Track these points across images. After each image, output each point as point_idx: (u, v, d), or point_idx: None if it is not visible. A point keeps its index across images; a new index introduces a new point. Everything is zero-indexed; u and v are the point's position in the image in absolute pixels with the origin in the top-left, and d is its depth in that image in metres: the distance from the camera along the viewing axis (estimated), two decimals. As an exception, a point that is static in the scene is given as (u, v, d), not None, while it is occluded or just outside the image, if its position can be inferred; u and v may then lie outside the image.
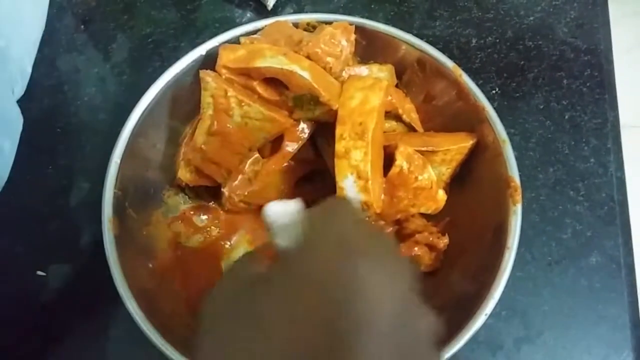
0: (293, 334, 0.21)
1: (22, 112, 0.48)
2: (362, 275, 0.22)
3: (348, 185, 0.36)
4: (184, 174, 0.41)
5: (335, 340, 0.21)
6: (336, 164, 0.37)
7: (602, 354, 0.41)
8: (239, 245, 0.44)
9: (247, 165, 0.41)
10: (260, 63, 0.37)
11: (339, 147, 0.36)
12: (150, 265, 0.40)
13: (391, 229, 0.42)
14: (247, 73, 0.38)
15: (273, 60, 0.37)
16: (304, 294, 0.22)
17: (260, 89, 0.38)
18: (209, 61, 0.42)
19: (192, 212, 0.43)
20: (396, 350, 0.21)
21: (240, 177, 0.41)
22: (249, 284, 0.24)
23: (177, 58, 0.41)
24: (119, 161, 0.38)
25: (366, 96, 0.37)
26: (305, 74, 0.37)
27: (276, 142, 0.41)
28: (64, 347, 0.42)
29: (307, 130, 0.40)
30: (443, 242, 0.40)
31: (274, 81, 0.38)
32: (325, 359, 0.20)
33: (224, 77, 0.38)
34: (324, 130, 0.40)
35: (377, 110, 0.37)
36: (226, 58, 0.38)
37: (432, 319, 0.24)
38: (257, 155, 0.41)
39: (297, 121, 0.40)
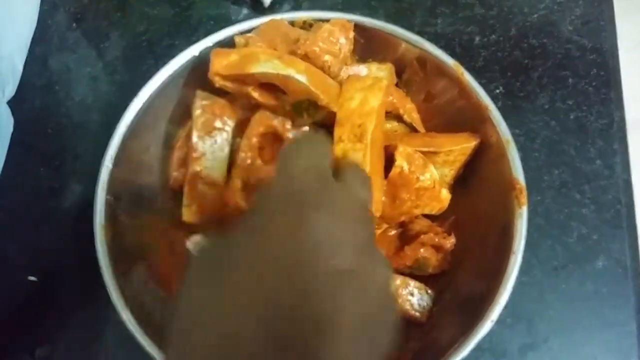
0: (257, 292, 0.22)
1: (13, 113, 0.47)
2: (316, 228, 0.23)
3: None
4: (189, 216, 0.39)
5: (297, 295, 0.22)
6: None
7: (608, 361, 0.40)
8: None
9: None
10: (254, 69, 0.36)
11: (337, 149, 0.36)
12: (145, 271, 0.39)
13: (395, 231, 0.41)
14: (241, 79, 0.37)
15: (268, 65, 0.36)
16: (263, 253, 0.23)
17: (255, 94, 0.37)
18: (202, 61, 0.41)
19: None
20: (358, 299, 0.23)
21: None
22: (220, 249, 0.25)
23: (171, 56, 0.40)
24: (110, 166, 0.37)
25: (365, 97, 0.36)
26: (302, 78, 0.36)
27: (276, 146, 0.40)
28: (56, 353, 0.41)
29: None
30: (450, 242, 0.39)
31: (270, 85, 0.37)
32: (289, 314, 0.21)
33: (217, 84, 0.37)
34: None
35: (377, 111, 0.36)
36: (218, 64, 0.37)
37: (388, 268, 0.26)
38: (258, 161, 0.40)
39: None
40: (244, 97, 0.38)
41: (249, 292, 0.22)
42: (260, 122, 0.38)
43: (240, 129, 0.39)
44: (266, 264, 0.23)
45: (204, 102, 0.38)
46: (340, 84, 0.38)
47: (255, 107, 0.39)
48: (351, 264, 0.23)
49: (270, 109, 0.38)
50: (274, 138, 0.39)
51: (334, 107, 0.36)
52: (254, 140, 0.38)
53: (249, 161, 0.37)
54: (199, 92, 0.39)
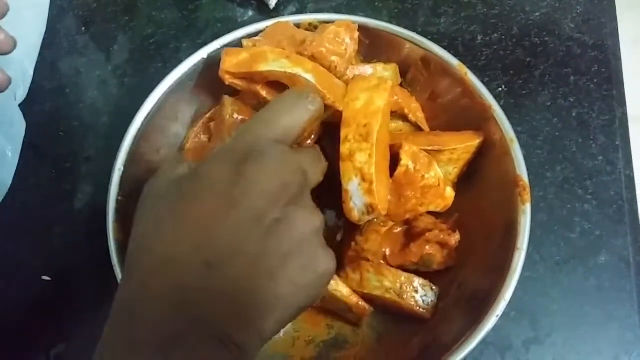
0: (194, 227, 0.26)
1: (24, 116, 0.48)
2: (249, 182, 0.27)
3: (353, 188, 0.36)
4: None
5: (219, 242, 0.26)
6: (341, 166, 0.36)
7: (612, 354, 0.41)
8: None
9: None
10: (263, 67, 0.37)
11: (344, 149, 0.36)
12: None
13: (400, 229, 0.41)
14: (250, 77, 0.38)
15: (276, 64, 0.37)
16: (203, 196, 0.27)
17: (264, 92, 0.38)
18: (211, 64, 0.41)
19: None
20: (280, 243, 0.27)
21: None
22: (172, 180, 0.29)
23: (178, 59, 0.41)
24: (122, 168, 0.38)
25: (371, 97, 0.36)
26: (309, 77, 0.36)
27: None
28: (70, 351, 0.42)
29: (313, 135, 0.40)
30: (454, 238, 0.39)
31: (277, 83, 0.38)
32: (220, 249, 0.26)
33: (227, 82, 0.38)
34: (330, 132, 0.39)
35: (382, 111, 0.37)
36: (229, 63, 0.38)
37: (316, 217, 0.29)
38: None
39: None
40: (253, 95, 0.39)
41: (187, 225, 0.26)
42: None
43: None
44: (204, 204, 0.26)
45: (233, 107, 0.39)
46: (346, 83, 0.38)
47: (263, 105, 0.39)
48: (274, 213, 0.27)
49: None
50: None
51: (340, 106, 0.37)
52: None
53: None
54: (226, 98, 0.40)
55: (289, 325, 0.39)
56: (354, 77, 0.39)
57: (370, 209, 0.36)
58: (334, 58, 0.38)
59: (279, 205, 0.27)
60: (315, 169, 0.32)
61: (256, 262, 0.26)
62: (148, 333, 0.25)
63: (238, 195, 0.26)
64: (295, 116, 0.31)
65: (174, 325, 0.24)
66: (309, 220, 0.28)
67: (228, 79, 0.38)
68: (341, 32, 0.38)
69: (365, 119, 0.36)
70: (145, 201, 0.30)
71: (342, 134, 0.36)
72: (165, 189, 0.29)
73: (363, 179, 0.35)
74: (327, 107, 0.37)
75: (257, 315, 0.26)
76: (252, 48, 0.39)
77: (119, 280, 0.35)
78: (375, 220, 0.38)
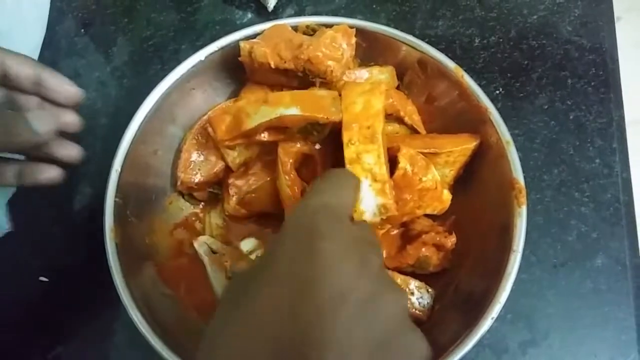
0: (268, 320, 0.23)
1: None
2: (323, 255, 0.24)
3: (364, 189, 0.35)
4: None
5: (304, 323, 0.22)
6: (348, 169, 0.36)
7: (608, 357, 0.41)
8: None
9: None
10: (248, 124, 0.38)
11: (349, 152, 0.36)
12: (153, 272, 0.40)
13: (397, 231, 0.41)
14: (245, 136, 0.39)
15: (258, 116, 0.37)
16: (274, 282, 0.24)
17: (264, 137, 0.39)
18: (209, 66, 0.41)
19: (194, 219, 0.43)
20: (366, 326, 0.23)
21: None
22: (245, 276, 0.27)
23: (177, 61, 0.41)
24: (119, 169, 0.38)
25: (368, 100, 0.37)
26: (293, 111, 0.37)
27: (311, 164, 0.41)
28: (67, 353, 0.42)
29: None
30: (451, 241, 0.39)
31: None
32: (296, 342, 0.22)
33: (228, 149, 0.40)
34: (329, 140, 0.39)
35: (382, 112, 0.37)
36: (220, 131, 0.39)
37: (401, 295, 0.26)
38: (259, 163, 0.41)
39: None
40: (257, 143, 0.40)
41: (262, 320, 0.23)
42: (286, 154, 0.39)
43: (270, 168, 0.41)
44: (274, 292, 0.24)
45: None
46: (340, 90, 0.39)
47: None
48: (359, 292, 0.23)
49: (282, 141, 0.39)
50: (305, 158, 0.40)
51: (335, 117, 0.37)
52: (292, 175, 0.39)
53: (297, 191, 0.39)
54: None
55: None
56: (346, 83, 0.39)
57: (383, 209, 0.36)
58: (330, 62, 0.38)
59: (362, 284, 0.24)
60: (377, 244, 0.30)
61: (344, 354, 0.22)
62: None
63: (317, 274, 0.23)
64: (349, 190, 0.30)
65: None
66: (396, 299, 0.25)
67: (229, 144, 0.40)
68: (338, 37, 0.39)
69: (367, 120, 0.36)
70: (225, 295, 0.28)
71: (345, 137, 0.36)
72: (235, 285, 0.27)
73: (374, 179, 0.35)
74: (324, 124, 0.37)
75: None
76: (231, 106, 0.40)
77: (115, 281, 0.35)
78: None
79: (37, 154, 0.35)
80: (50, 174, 0.36)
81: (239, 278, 0.27)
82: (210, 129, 0.40)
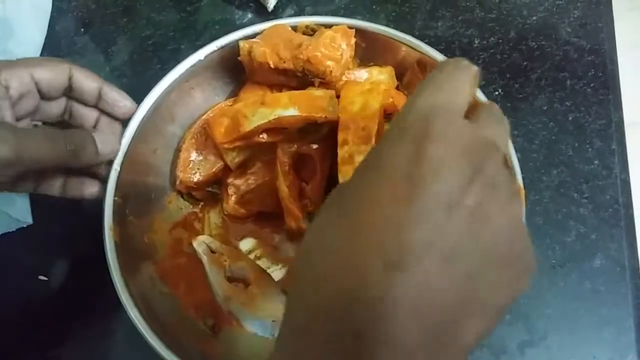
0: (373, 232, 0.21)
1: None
2: (433, 160, 0.22)
3: None
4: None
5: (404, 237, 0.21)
6: (340, 169, 0.36)
7: (606, 358, 0.41)
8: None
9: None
10: (247, 127, 0.38)
11: (343, 152, 0.36)
12: (152, 270, 0.40)
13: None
14: (244, 138, 0.39)
15: (256, 118, 0.37)
16: (374, 190, 0.22)
17: (263, 138, 0.39)
18: (208, 65, 0.42)
19: (193, 218, 0.43)
20: (477, 242, 0.22)
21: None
22: (343, 188, 0.24)
23: (177, 60, 0.41)
24: (118, 168, 0.38)
25: (366, 101, 0.37)
26: (291, 112, 0.37)
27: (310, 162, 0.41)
28: (66, 351, 0.42)
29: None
30: None
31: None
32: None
33: (229, 151, 0.40)
34: (328, 136, 0.39)
35: (379, 114, 0.37)
36: (219, 134, 0.39)
37: (518, 204, 0.24)
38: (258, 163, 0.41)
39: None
40: (257, 144, 0.40)
41: (362, 222, 0.22)
42: (285, 155, 0.40)
43: (268, 168, 0.41)
44: (381, 193, 0.22)
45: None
46: (339, 90, 0.39)
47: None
48: (469, 200, 0.22)
49: (282, 142, 0.40)
50: (304, 157, 0.40)
51: (332, 116, 0.37)
52: (291, 175, 0.40)
53: (295, 192, 0.40)
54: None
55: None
56: (347, 82, 0.39)
57: None
58: (329, 63, 0.38)
59: (475, 190, 0.22)
60: (502, 133, 0.26)
61: (449, 262, 0.21)
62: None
63: (424, 176, 0.21)
64: (462, 81, 0.26)
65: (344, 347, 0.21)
66: (512, 205, 0.23)
67: (228, 147, 0.40)
68: (337, 37, 0.39)
69: (363, 121, 0.36)
70: (322, 209, 0.25)
71: (340, 137, 0.36)
72: (336, 191, 0.25)
73: None
74: (321, 124, 0.37)
75: (458, 333, 0.21)
76: (229, 108, 0.41)
77: (115, 281, 0.35)
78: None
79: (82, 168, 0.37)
80: (94, 188, 0.38)
81: (343, 187, 0.25)
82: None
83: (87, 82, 0.36)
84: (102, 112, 0.38)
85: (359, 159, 0.36)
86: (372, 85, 0.38)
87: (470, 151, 0.23)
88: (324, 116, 0.37)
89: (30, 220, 0.45)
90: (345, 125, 0.37)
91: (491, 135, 0.24)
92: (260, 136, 0.39)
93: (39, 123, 0.38)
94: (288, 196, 0.39)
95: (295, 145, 0.40)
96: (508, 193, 0.23)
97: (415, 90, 0.25)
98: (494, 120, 0.26)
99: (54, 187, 0.37)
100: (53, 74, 0.35)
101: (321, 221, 0.24)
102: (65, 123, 0.38)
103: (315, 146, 0.40)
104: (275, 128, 0.38)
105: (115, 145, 0.37)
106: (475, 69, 0.26)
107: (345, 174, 0.36)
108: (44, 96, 0.36)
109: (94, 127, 0.38)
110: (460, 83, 0.25)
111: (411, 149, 0.22)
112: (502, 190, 0.23)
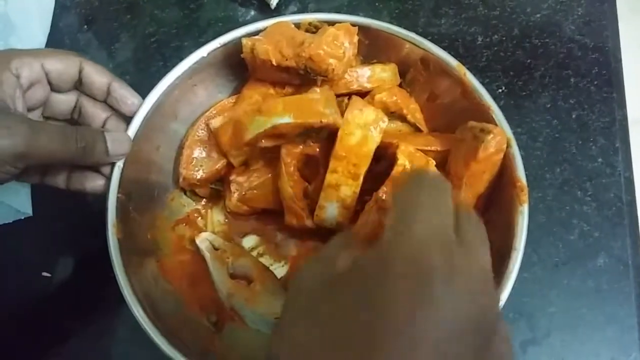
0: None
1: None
2: (444, 307, 0.21)
3: (330, 207, 0.39)
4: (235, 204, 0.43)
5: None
6: (324, 189, 0.38)
7: (609, 356, 0.41)
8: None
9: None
10: (248, 135, 0.38)
11: (331, 178, 0.38)
12: (155, 267, 0.40)
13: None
14: (247, 145, 0.39)
15: (253, 127, 0.38)
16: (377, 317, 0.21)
17: (265, 144, 0.39)
18: (211, 62, 0.41)
19: (196, 215, 0.43)
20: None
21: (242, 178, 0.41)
22: (328, 280, 0.25)
23: (180, 57, 0.41)
24: (121, 165, 0.38)
25: (365, 137, 0.37)
26: (286, 119, 0.37)
27: (312, 163, 0.41)
28: (68, 348, 0.42)
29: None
30: None
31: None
32: None
33: (236, 158, 0.41)
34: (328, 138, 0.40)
35: (371, 154, 0.38)
36: (225, 142, 0.40)
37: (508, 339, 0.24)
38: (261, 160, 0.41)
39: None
40: (260, 149, 0.40)
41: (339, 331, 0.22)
42: (289, 156, 0.40)
43: (272, 166, 0.42)
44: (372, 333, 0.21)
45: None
46: (343, 88, 0.39)
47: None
48: (468, 341, 0.21)
49: (284, 144, 0.40)
50: (308, 158, 0.41)
51: (329, 120, 0.37)
52: (295, 176, 0.40)
53: (299, 192, 0.40)
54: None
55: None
56: (353, 101, 0.38)
57: (338, 225, 0.39)
58: (331, 60, 0.38)
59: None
60: (488, 253, 0.26)
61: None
62: None
63: (433, 333, 0.21)
64: (447, 202, 0.25)
65: None
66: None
67: (236, 155, 0.41)
68: (340, 35, 0.38)
69: (356, 158, 0.37)
70: (299, 299, 0.25)
71: (332, 165, 0.37)
72: (321, 287, 0.24)
73: (343, 207, 0.38)
74: (319, 128, 0.37)
75: None
76: (230, 116, 0.41)
77: (118, 278, 0.35)
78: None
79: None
80: (96, 183, 0.38)
81: (326, 275, 0.25)
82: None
83: (97, 76, 0.36)
84: (110, 108, 0.38)
85: (344, 190, 0.37)
86: (376, 114, 0.37)
87: (474, 290, 0.22)
88: (319, 121, 0.37)
89: (29, 212, 0.45)
90: (339, 155, 0.37)
91: (485, 260, 0.25)
92: (263, 142, 0.39)
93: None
94: (291, 196, 0.40)
95: (300, 147, 0.40)
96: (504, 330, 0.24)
97: (401, 211, 0.24)
98: (480, 238, 0.26)
99: (60, 179, 0.38)
100: (64, 65, 0.35)
101: (316, 314, 0.23)
102: (73, 121, 0.38)
103: (318, 147, 0.40)
104: (275, 134, 0.38)
105: (126, 146, 0.37)
106: (450, 185, 0.26)
107: (328, 194, 0.38)
108: (54, 88, 0.36)
109: (102, 127, 0.38)
110: (444, 205, 0.25)
111: (419, 292, 0.21)
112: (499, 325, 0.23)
